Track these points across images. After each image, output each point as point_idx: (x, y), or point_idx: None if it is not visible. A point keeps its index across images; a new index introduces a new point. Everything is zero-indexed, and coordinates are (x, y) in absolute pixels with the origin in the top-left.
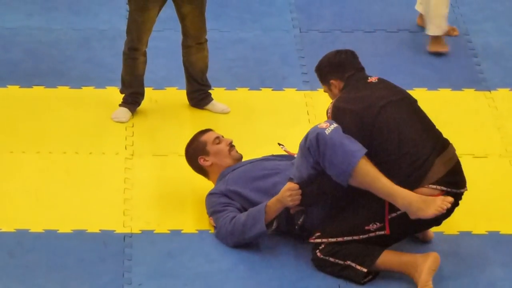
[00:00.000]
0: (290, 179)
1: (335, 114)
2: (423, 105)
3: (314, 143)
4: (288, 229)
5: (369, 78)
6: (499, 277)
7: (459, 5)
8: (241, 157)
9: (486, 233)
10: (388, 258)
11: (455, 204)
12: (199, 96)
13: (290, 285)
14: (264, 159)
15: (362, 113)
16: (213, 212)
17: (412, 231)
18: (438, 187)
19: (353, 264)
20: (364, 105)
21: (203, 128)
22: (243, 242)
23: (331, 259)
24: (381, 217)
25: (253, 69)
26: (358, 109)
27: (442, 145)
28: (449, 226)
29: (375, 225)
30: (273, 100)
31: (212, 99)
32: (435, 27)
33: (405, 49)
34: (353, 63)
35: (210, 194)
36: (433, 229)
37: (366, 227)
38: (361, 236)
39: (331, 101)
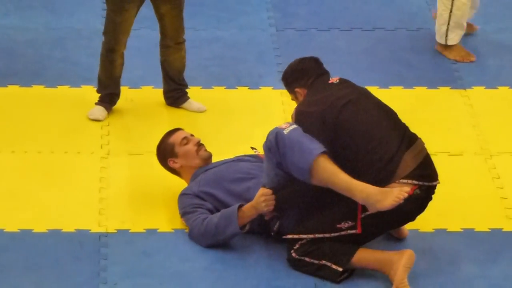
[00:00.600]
0: (263, 186)
1: (298, 118)
2: (399, 103)
3: (273, 144)
4: (260, 230)
5: (330, 79)
6: (474, 274)
7: (434, 3)
8: (210, 155)
9: (461, 230)
10: (363, 256)
11: (428, 198)
12: (175, 95)
13: (266, 284)
14: (238, 160)
15: (324, 114)
16: (184, 213)
17: (385, 229)
18: (409, 181)
19: (329, 264)
20: (325, 106)
21: (176, 127)
22: (216, 243)
23: (307, 259)
24: (353, 215)
25: (229, 67)
26: (319, 110)
27: (410, 139)
28: (424, 224)
29: (346, 224)
30: (249, 99)
31: (188, 98)
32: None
33: (381, 47)
34: (316, 69)
35: (182, 194)
36: (408, 227)
37: (338, 225)
38: (332, 234)
39: None
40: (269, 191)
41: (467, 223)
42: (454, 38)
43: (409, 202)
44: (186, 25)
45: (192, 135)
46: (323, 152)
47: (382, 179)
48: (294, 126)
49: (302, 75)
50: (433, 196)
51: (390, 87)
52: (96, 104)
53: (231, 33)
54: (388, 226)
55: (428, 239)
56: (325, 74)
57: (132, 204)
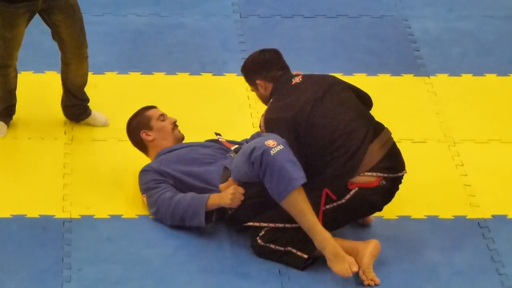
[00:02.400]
0: (225, 168)
1: (268, 126)
2: (363, 90)
3: (258, 160)
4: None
5: (293, 79)
6: (439, 261)
7: None
8: (183, 137)
9: (425, 217)
10: None
11: (395, 189)
12: (76, 111)
13: (230, 270)
14: (201, 145)
15: (294, 120)
16: (146, 188)
17: (351, 220)
18: (374, 173)
19: (294, 250)
20: (294, 112)
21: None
22: (181, 225)
23: (272, 246)
24: (316, 208)
25: (193, 54)
26: (288, 117)
27: (375, 130)
28: (388, 211)
29: None
30: (213, 85)
31: (90, 112)
32: None
33: (345, 34)
34: (277, 63)
35: (143, 170)
36: (372, 220)
37: None
38: (293, 225)
39: None
40: (242, 189)
41: (431, 210)
42: None
43: (375, 193)
44: (150, 11)
45: (167, 115)
46: (300, 185)
47: (346, 173)
48: (282, 147)
49: (263, 67)
50: (399, 185)
51: (354, 74)
52: None
53: (195, 19)
54: (354, 217)
55: (392, 226)
56: (287, 69)
57: (96, 190)
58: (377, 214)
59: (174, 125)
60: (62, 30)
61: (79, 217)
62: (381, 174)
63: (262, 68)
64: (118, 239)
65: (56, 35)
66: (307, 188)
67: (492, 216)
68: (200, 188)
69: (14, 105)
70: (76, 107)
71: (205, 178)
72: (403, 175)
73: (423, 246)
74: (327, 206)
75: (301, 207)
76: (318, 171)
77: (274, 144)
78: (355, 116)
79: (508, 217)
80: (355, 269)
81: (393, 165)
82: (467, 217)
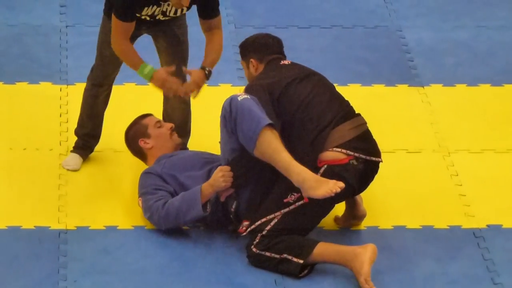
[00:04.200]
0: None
1: (246, 90)
2: (357, 101)
3: (228, 110)
4: (225, 219)
5: (282, 61)
6: (434, 271)
7: (392, 1)
8: (182, 142)
9: (420, 227)
10: (324, 248)
11: (368, 173)
12: None
13: (226, 281)
14: (201, 153)
15: (270, 87)
16: (144, 193)
17: (328, 205)
18: (344, 150)
19: (290, 257)
20: (273, 80)
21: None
22: (176, 226)
23: (267, 254)
24: (297, 187)
25: (188, 64)
26: (266, 83)
27: (349, 113)
28: (383, 221)
29: (293, 196)
30: (208, 96)
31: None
32: None
33: (339, 45)
34: (277, 49)
35: (145, 173)
36: (367, 223)
37: (285, 200)
38: (282, 211)
39: None
40: (227, 167)
41: (426, 220)
42: None
43: (346, 170)
44: None
45: (163, 121)
46: (271, 124)
47: (315, 146)
48: (248, 96)
49: (262, 48)
50: (375, 174)
51: (348, 84)
52: (71, 151)
53: (190, 30)
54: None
55: (387, 236)
56: (283, 57)
57: (92, 201)
58: (372, 223)
59: (172, 130)
60: (162, 57)
61: (75, 228)
62: (352, 153)
63: (262, 49)
64: (113, 250)
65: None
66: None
67: (487, 225)
68: None
69: (94, 137)
70: None
71: (207, 180)
72: (378, 162)
73: (418, 256)
74: None
75: (275, 145)
76: (292, 148)
77: (241, 94)
78: (332, 98)
79: (503, 226)
80: (341, 185)
81: (365, 147)
82: (462, 227)
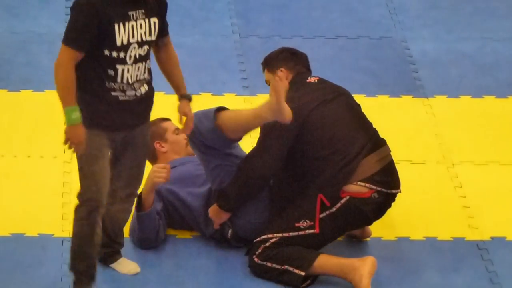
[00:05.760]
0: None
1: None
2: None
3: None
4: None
5: (309, 78)
6: (437, 283)
7: (397, 13)
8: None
9: (424, 238)
10: (325, 261)
11: (387, 205)
12: (106, 253)
13: None
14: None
15: (296, 110)
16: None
17: (343, 231)
18: (367, 184)
19: (291, 268)
20: (296, 104)
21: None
22: (149, 242)
23: (269, 264)
24: (312, 215)
25: (192, 74)
26: (291, 107)
27: (376, 143)
28: (387, 232)
29: (305, 223)
30: (212, 105)
31: (120, 257)
32: None
33: (344, 55)
34: (305, 62)
35: None
36: (371, 235)
37: (297, 224)
38: (291, 234)
39: None
40: (161, 164)
41: (429, 232)
42: None
43: (366, 204)
44: None
45: None
46: (222, 108)
47: (340, 179)
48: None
49: (293, 58)
50: (392, 204)
51: (353, 95)
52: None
53: (195, 39)
54: (346, 227)
55: (391, 247)
56: (309, 71)
57: None
58: (375, 234)
59: (187, 140)
60: (117, 171)
61: None
62: (374, 187)
63: (292, 59)
64: None
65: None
66: (303, 193)
67: (491, 238)
68: (203, 209)
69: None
70: (106, 248)
71: (206, 198)
72: (396, 193)
73: (422, 267)
74: (321, 216)
75: (233, 114)
76: (314, 176)
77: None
78: (358, 125)
79: (507, 239)
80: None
81: (388, 180)
82: (466, 239)
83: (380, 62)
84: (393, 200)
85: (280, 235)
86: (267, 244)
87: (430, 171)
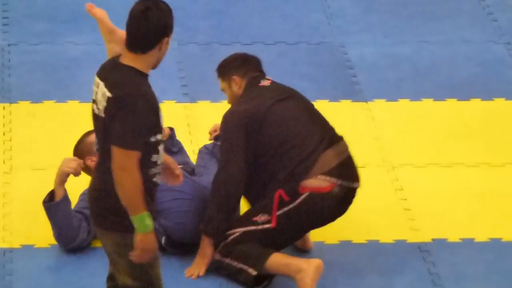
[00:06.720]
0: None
1: (224, 117)
2: None
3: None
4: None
5: (262, 81)
6: (380, 285)
7: (334, 18)
8: None
9: (366, 242)
10: (276, 260)
11: (347, 201)
12: None
13: None
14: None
15: (250, 112)
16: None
17: (301, 229)
18: (328, 177)
19: (245, 267)
20: (250, 105)
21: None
22: (63, 236)
23: (227, 261)
24: (269, 209)
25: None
26: (242, 109)
27: (333, 138)
28: (329, 236)
29: (262, 217)
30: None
31: None
32: None
33: (283, 61)
34: (257, 65)
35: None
36: (314, 238)
37: (254, 218)
38: (248, 228)
39: (211, 112)
40: (73, 157)
41: (371, 235)
42: None
43: (326, 199)
44: (87, 39)
45: None
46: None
47: (298, 174)
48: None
49: (244, 63)
50: (353, 199)
51: None
52: None
53: None
54: (305, 225)
55: (333, 250)
56: (264, 75)
57: (37, 220)
58: (318, 238)
59: None
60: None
61: (20, 246)
62: (335, 180)
63: (243, 65)
64: (59, 269)
65: None
66: (264, 195)
67: (432, 239)
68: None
69: None
70: None
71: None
72: (357, 188)
73: (365, 270)
74: (279, 212)
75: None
76: (274, 172)
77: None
78: (314, 121)
79: (448, 240)
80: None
81: (348, 173)
82: (407, 241)
83: (319, 67)
84: (353, 196)
85: (239, 229)
86: (228, 240)
87: (371, 175)
